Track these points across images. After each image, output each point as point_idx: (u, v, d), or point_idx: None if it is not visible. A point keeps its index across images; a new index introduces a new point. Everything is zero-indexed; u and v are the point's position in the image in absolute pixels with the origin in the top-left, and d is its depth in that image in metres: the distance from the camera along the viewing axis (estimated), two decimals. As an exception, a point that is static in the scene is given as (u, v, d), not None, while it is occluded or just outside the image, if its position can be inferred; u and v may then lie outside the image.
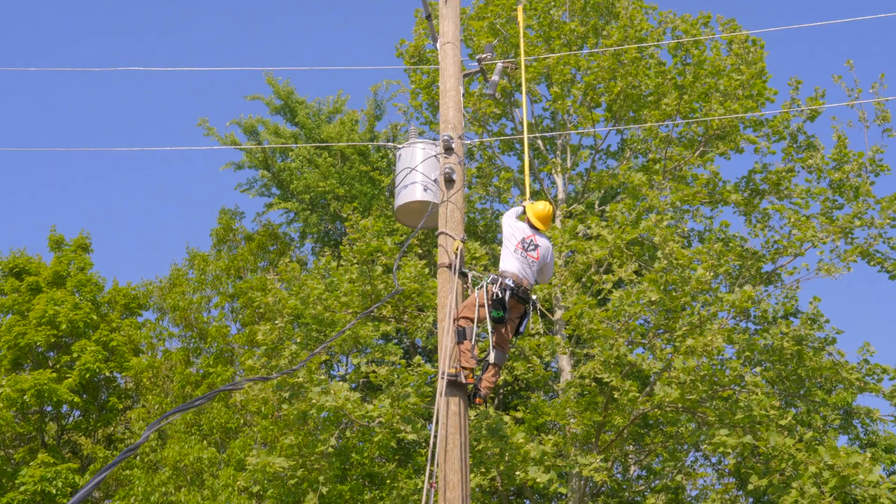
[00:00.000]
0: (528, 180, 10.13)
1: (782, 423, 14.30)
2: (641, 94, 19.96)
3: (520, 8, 12.03)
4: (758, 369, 16.34)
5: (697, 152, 19.47)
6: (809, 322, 16.62)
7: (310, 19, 62.32)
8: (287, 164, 24.79)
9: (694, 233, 20.68)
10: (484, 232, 22.13)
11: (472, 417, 14.67)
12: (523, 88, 11.04)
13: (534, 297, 9.19)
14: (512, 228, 9.37)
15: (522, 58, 11.19)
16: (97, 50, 58.66)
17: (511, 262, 9.11)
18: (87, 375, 22.64)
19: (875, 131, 19.19)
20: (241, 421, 21.54)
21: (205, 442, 20.74)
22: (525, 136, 10.51)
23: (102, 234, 51.35)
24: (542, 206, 9.47)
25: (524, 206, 9.66)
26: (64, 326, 22.82)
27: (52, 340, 23.17)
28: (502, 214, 21.16)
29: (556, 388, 18.40)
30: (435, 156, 9.75)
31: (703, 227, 19.94)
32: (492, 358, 8.87)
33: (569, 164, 21.21)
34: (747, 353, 15.76)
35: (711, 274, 14.99)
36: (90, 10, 60.46)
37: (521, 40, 11.33)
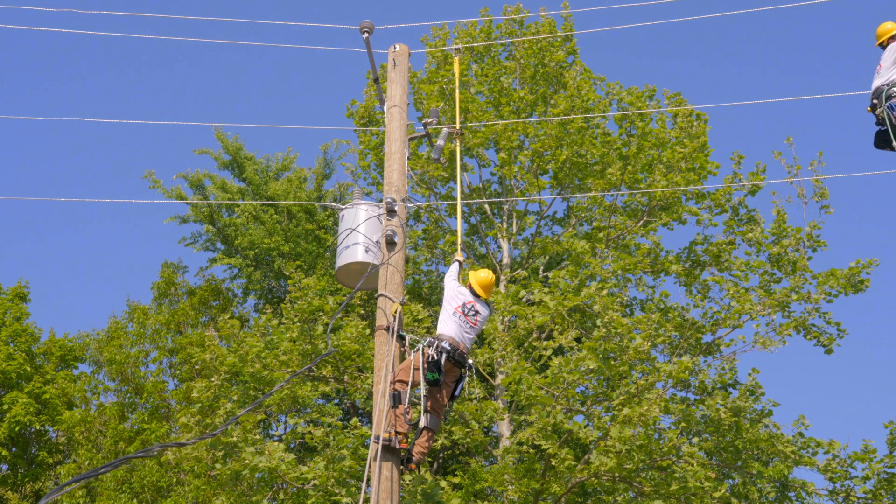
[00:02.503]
0: (459, 240, 10.18)
1: (717, 495, 14.32)
2: (587, 162, 20.22)
3: (456, 60, 12.14)
4: (695, 440, 16.40)
5: (641, 222, 19.73)
6: (747, 394, 16.76)
7: (262, 75, 62.53)
8: (233, 220, 24.65)
9: (636, 301, 20.85)
10: (428, 294, 22.11)
11: (408, 482, 14.50)
12: (458, 149, 11.13)
13: (470, 360, 9.20)
14: (454, 292, 9.43)
15: (457, 111, 11.30)
16: (42, 97, 58.17)
17: (449, 326, 9.13)
18: (17, 428, 22.06)
19: (813, 207, 19.62)
20: (174, 479, 21.08)
21: (135, 500, 20.24)
22: (459, 200, 10.60)
23: (41, 283, 50.39)
24: (485, 275, 9.58)
25: (459, 261, 9.77)
26: (-5, 377, 22.30)
27: (-17, 391, 22.62)
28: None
29: (494, 454, 18.28)
30: (377, 217, 9.79)
31: (645, 296, 20.13)
32: (426, 422, 8.83)
33: (514, 230, 21.36)
34: (684, 424, 15.82)
35: (650, 343, 15.09)
36: (37, 56, 60.06)
37: (457, 91, 11.42)
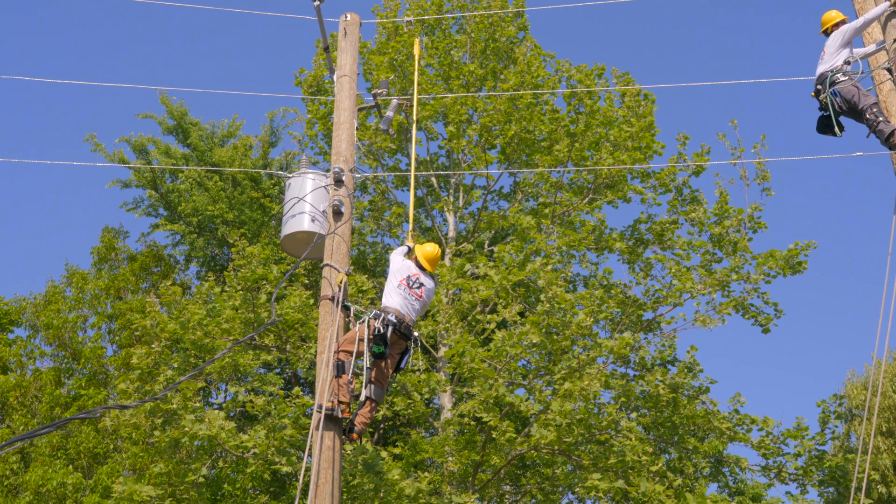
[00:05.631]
0: (411, 218, 10.18)
1: (653, 469, 14.57)
2: (535, 138, 20.29)
3: (416, 41, 12.11)
4: (634, 415, 16.64)
5: (586, 199, 19.87)
6: (685, 371, 17.03)
7: (209, 40, 61.62)
8: (176, 186, 24.32)
9: (579, 278, 21.03)
10: (373, 265, 22.08)
11: (349, 452, 14.54)
12: (413, 127, 11.12)
13: (415, 333, 9.22)
14: (399, 265, 9.44)
15: (415, 93, 11.27)
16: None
17: (394, 298, 9.14)
18: (-51, 392, 21.63)
19: (755, 189, 20.05)
20: (111, 446, 20.86)
21: (70, 466, 20.00)
22: (412, 174, 10.58)
23: (-23, 245, 49.23)
24: (431, 248, 9.60)
25: (410, 247, 9.79)
26: (-73, 340, 21.82)
27: (-86, 354, 22.10)
28: (392, 249, 21.17)
29: (436, 426, 18.38)
30: (325, 187, 9.73)
31: (588, 273, 20.32)
32: (370, 393, 8.83)
33: (461, 203, 21.39)
34: (623, 399, 16.05)
35: (592, 319, 15.26)
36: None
37: (416, 75, 11.39)
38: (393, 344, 9.03)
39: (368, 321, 8.85)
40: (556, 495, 17.34)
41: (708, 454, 18.12)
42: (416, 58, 11.45)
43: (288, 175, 10.03)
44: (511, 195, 22.72)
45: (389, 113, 10.84)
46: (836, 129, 9.69)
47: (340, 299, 8.96)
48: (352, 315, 9.12)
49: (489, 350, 15.38)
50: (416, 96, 11.41)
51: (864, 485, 8.92)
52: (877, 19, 9.74)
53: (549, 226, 18.67)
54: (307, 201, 9.62)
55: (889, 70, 9.52)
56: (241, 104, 58.35)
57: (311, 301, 17.41)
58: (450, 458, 15.87)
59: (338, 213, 9.45)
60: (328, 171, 9.84)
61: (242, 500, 18.28)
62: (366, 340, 8.76)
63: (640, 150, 19.76)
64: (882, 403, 24.70)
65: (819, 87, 9.80)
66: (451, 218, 21.06)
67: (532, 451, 15.67)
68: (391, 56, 20.50)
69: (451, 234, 20.80)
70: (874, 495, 23.05)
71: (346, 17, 10.71)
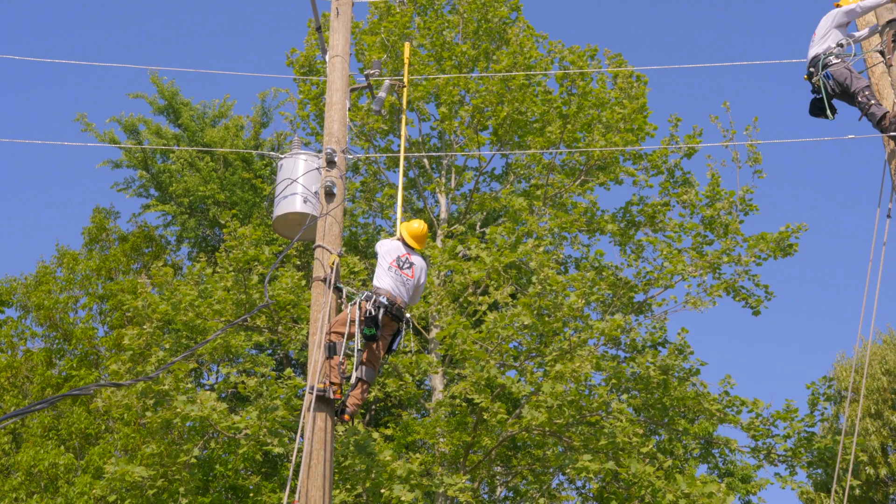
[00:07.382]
0: (399, 209, 10.17)
1: (644, 450, 14.64)
2: (527, 120, 20.27)
3: (407, 45, 12.10)
4: (625, 396, 16.70)
5: (578, 181, 19.86)
6: (676, 352, 17.09)
7: (200, 19, 61.29)
8: (167, 166, 24.24)
9: (571, 259, 21.05)
10: (365, 246, 22.07)
11: (341, 433, 14.57)
12: (403, 120, 11.08)
13: (407, 315, 9.21)
14: (387, 247, 9.42)
15: (405, 97, 11.24)
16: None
17: (385, 280, 9.12)
18: (-60, 372, 21.59)
19: (746, 172, 19.98)
20: (103, 427, 20.87)
21: (62, 447, 20.01)
22: (401, 166, 10.55)
23: (-33, 225, 49.11)
24: (418, 226, 9.55)
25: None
26: (-83, 320, 21.74)
27: None
28: (384, 230, 21.13)
29: (427, 407, 18.44)
30: (317, 168, 9.71)
31: (580, 255, 20.34)
32: (361, 374, 8.84)
33: (453, 185, 21.37)
34: (614, 381, 16.10)
35: (583, 301, 15.29)
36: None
37: (406, 76, 11.35)
38: (385, 326, 9.02)
39: (360, 303, 8.84)
40: (546, 476, 17.42)
41: (698, 436, 18.21)
42: (406, 59, 11.40)
43: (280, 156, 9.99)
44: (503, 177, 22.69)
45: (381, 94, 10.81)
46: (829, 111, 9.66)
47: (332, 280, 8.96)
48: (344, 296, 9.12)
49: (481, 332, 15.40)
50: (405, 96, 11.38)
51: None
52: (873, 9, 9.70)
53: (541, 207, 18.68)
54: (299, 182, 9.59)
55: (881, 53, 9.49)
56: (233, 84, 58.12)
57: (303, 282, 17.40)
58: (441, 440, 15.92)
59: (330, 195, 9.44)
60: (320, 151, 9.81)
61: (234, 481, 18.33)
62: (357, 322, 8.75)
63: (632, 131, 19.75)
64: (870, 385, 24.83)
65: (812, 69, 9.76)
66: (442, 199, 21.04)
67: (523, 433, 15.73)
68: (383, 36, 20.41)
69: (443, 215, 20.79)
70: (862, 476, 23.23)
71: (338, -4, 10.65)
